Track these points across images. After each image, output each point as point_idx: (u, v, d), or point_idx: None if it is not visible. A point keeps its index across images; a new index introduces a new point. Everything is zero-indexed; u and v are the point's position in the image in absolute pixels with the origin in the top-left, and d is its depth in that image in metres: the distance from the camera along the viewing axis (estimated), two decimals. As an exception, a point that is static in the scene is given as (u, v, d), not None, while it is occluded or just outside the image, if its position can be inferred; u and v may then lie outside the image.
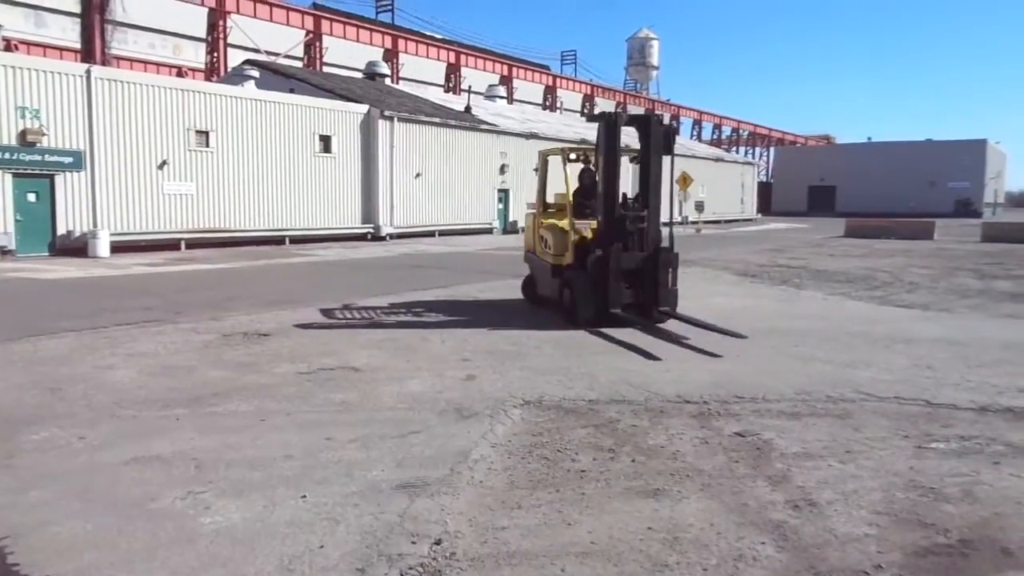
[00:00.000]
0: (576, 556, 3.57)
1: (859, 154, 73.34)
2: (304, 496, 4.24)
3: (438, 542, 3.68)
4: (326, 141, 26.88)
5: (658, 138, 9.86)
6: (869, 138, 79.69)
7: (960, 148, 67.95)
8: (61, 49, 33.58)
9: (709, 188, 47.18)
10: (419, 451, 5.02)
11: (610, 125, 9.84)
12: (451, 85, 51.66)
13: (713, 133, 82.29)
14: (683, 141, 62.45)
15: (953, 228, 38.98)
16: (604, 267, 9.61)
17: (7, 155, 18.74)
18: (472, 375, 7.10)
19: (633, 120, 10.26)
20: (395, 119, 28.61)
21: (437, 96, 40.09)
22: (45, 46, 33.56)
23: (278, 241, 24.96)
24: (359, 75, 39.18)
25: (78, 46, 32.94)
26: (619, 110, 66.31)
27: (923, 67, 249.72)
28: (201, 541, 3.69)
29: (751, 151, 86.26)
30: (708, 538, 3.77)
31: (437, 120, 30.92)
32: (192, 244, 22.54)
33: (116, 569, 3.41)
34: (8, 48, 25.27)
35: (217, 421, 5.67)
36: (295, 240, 25.39)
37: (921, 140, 72.68)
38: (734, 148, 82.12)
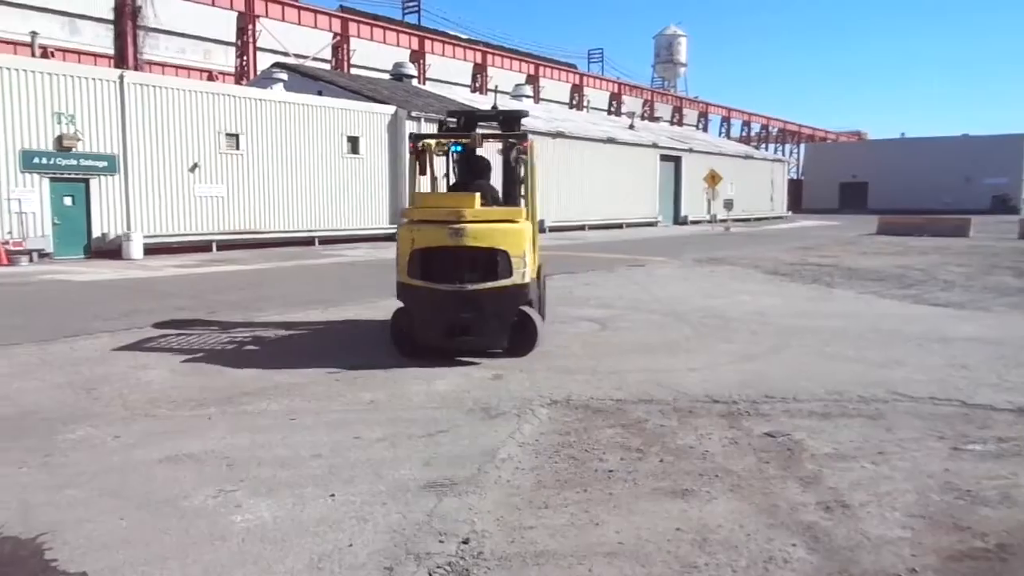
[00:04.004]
0: (604, 556, 3.56)
1: (892, 150, 72.10)
2: (333, 495, 4.27)
3: (466, 541, 3.69)
4: (354, 142, 27.06)
5: None
6: (903, 134, 78.21)
7: (997, 143, 66.39)
8: (95, 55, 34.21)
9: (738, 186, 46.73)
10: (446, 450, 5.03)
11: None
12: (478, 85, 51.75)
13: (742, 130, 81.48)
14: (711, 138, 62.01)
15: (989, 225, 38.16)
16: None
17: (44, 160, 19.14)
18: (499, 375, 7.11)
19: None
20: (422, 119, 28.72)
21: (464, 96, 40.18)
22: (80, 52, 34.21)
23: (307, 242, 25.19)
24: (386, 76, 39.38)
25: (111, 52, 33.61)
26: (646, 108, 65.94)
27: (959, 61, 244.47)
28: (233, 539, 3.73)
29: (781, 148, 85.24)
30: (738, 539, 3.73)
31: (464, 120, 30.96)
32: (223, 245, 22.82)
33: (150, 566, 3.46)
34: (44, 55, 25.78)
35: (248, 420, 5.73)
36: (324, 241, 25.60)
37: (957, 135, 71.19)
38: (763, 145, 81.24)
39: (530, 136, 8.43)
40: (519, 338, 7.88)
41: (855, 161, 73.77)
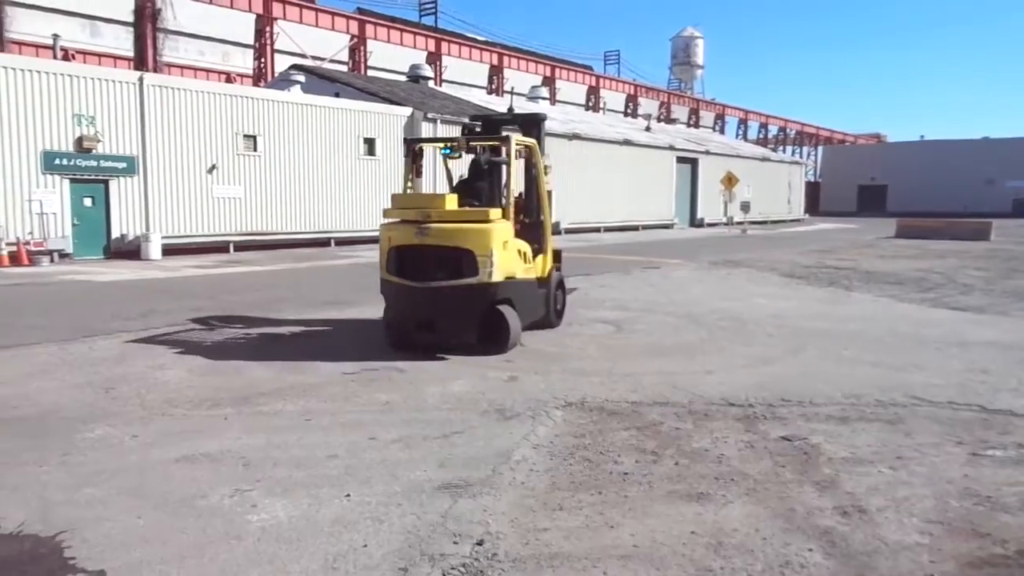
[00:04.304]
0: (618, 559, 3.55)
1: (911, 152, 71.39)
2: (348, 495, 4.29)
3: (480, 543, 3.69)
4: (370, 144, 27.17)
5: None
6: (922, 136, 77.51)
7: (1019, 146, 65.42)
8: (115, 57, 34.59)
9: (755, 188, 46.47)
10: (461, 451, 5.04)
11: None
12: (494, 87, 51.80)
13: (759, 132, 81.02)
14: (728, 140, 61.70)
15: (1011, 229, 37.75)
16: None
17: (65, 161, 19.35)
18: (514, 376, 7.11)
19: None
20: (438, 121, 28.80)
21: (480, 98, 40.21)
22: (100, 55, 34.59)
23: (323, 243, 25.30)
24: (403, 78, 39.51)
25: (131, 54, 33.99)
26: (662, 110, 65.76)
27: (979, 64, 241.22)
28: (248, 538, 3.76)
29: (798, 150, 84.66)
30: (753, 543, 3.71)
31: (480, 122, 30.98)
32: (240, 246, 22.97)
33: (167, 564, 3.49)
34: (66, 57, 26.09)
35: (264, 420, 5.77)
36: (340, 242, 25.69)
37: (977, 138, 70.41)
38: (781, 147, 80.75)
39: (514, 138, 8.60)
40: (493, 336, 8.02)
41: (874, 163, 73.09)
